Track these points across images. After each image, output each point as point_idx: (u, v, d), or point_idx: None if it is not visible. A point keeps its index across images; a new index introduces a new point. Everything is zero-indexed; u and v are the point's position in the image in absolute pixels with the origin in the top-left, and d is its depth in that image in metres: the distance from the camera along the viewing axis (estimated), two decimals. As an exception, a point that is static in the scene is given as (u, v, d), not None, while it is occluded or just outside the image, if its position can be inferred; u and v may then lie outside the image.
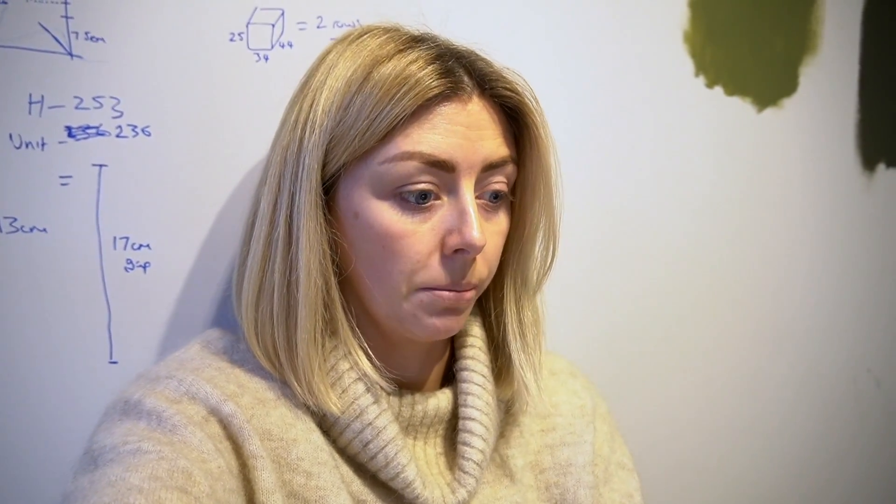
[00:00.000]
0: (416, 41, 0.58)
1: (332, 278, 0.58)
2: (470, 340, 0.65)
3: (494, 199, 0.59)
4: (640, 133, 0.88)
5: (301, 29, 0.71)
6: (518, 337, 0.64)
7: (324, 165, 0.57)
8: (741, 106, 0.94)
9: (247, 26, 0.70)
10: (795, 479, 1.01)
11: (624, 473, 0.71)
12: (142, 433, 0.52)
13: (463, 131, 0.57)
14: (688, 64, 0.90)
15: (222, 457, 0.53)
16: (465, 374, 0.63)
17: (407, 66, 0.56)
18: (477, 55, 0.60)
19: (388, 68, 0.55)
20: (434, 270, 0.57)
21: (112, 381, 0.68)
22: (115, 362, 0.69)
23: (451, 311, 0.58)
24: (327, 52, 0.60)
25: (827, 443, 1.03)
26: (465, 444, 0.62)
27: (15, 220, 0.66)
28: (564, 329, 0.85)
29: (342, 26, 0.72)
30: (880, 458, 1.07)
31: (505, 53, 0.78)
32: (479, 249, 0.56)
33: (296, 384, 0.57)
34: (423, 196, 0.57)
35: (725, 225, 0.94)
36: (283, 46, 0.71)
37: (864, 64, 1.00)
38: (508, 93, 0.59)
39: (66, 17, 0.65)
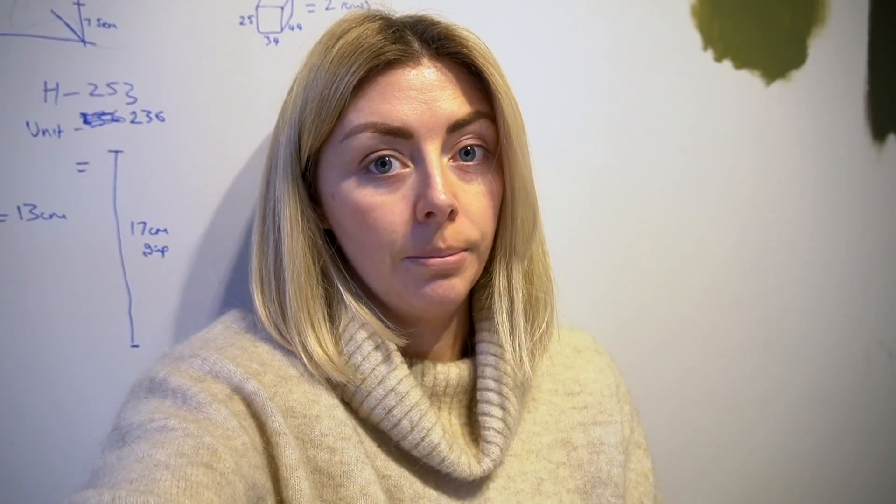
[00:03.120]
0: (368, 18, 0.59)
1: (328, 260, 0.59)
2: (485, 314, 0.65)
3: (466, 156, 0.58)
4: (650, 108, 0.88)
5: (310, 11, 0.71)
6: (503, 302, 0.62)
7: (300, 156, 0.59)
8: (750, 79, 0.93)
9: (256, 9, 0.70)
10: (808, 450, 1.02)
11: (640, 453, 0.72)
12: (168, 411, 0.52)
13: (416, 95, 0.56)
14: (696, 38, 0.90)
15: (247, 434, 0.53)
16: (481, 345, 0.64)
17: (353, 40, 0.57)
18: (429, 20, 0.60)
19: (336, 47, 0.57)
20: (411, 239, 0.57)
21: (134, 364, 0.69)
22: (136, 346, 0.70)
23: (442, 275, 0.58)
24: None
25: (839, 413, 1.04)
26: (484, 413, 0.62)
27: (34, 207, 0.67)
28: (579, 307, 0.85)
29: (350, 7, 0.72)
30: (893, 428, 1.07)
31: (510, 31, 0.78)
32: (444, 211, 0.55)
33: (304, 358, 0.59)
34: (384, 163, 0.57)
35: (736, 198, 0.94)
36: (292, 29, 0.71)
37: (872, 34, 1.00)
38: (458, 48, 0.58)
39: (78, 4, 0.65)
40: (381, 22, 0.59)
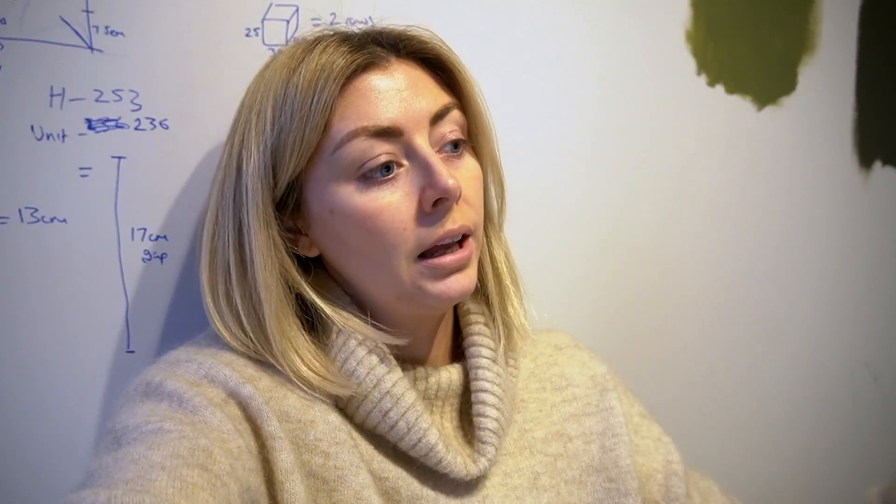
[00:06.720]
0: (320, 38, 0.61)
1: (304, 285, 0.60)
2: (474, 318, 0.66)
3: (455, 149, 0.61)
4: (644, 131, 0.90)
5: (315, 25, 0.73)
6: (492, 276, 0.66)
7: (275, 185, 0.59)
8: (741, 104, 0.95)
9: (262, 22, 0.72)
10: (792, 471, 1.03)
11: (647, 422, 0.74)
12: (163, 414, 0.53)
13: (395, 94, 0.58)
14: (690, 63, 0.92)
15: (241, 437, 0.54)
16: (473, 349, 0.65)
17: (319, 56, 0.58)
18: (382, 27, 0.62)
19: (303, 67, 0.58)
20: (423, 231, 0.58)
21: (130, 370, 0.69)
22: (132, 352, 0.70)
23: (458, 269, 0.60)
24: (245, 95, 0.63)
25: (824, 436, 1.05)
26: (480, 414, 0.63)
27: (35, 210, 0.67)
28: (565, 325, 0.86)
29: (355, 22, 0.74)
30: (877, 451, 1.08)
31: (508, 52, 0.80)
32: (455, 192, 0.57)
33: (294, 379, 0.59)
34: (387, 168, 0.58)
35: (726, 221, 0.96)
36: (297, 42, 0.73)
37: (860, 63, 1.02)
38: (420, 45, 0.61)
39: (87, 12, 0.67)
40: (337, 36, 0.61)
